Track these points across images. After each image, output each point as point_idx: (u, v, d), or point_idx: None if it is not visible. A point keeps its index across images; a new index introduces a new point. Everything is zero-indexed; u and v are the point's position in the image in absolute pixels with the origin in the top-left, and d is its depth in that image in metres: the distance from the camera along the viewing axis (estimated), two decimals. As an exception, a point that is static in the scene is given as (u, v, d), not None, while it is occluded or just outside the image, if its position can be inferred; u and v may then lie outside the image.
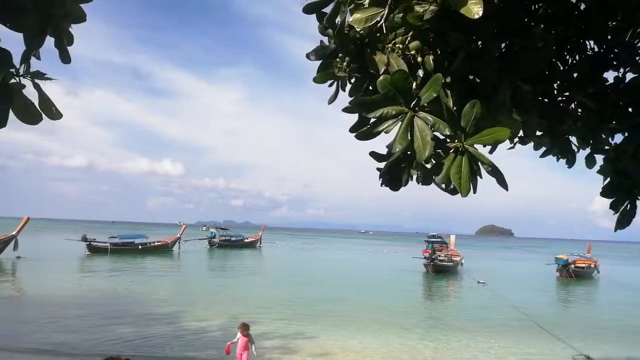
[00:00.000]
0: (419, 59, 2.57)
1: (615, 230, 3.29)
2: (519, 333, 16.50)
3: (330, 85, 3.16)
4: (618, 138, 4.04)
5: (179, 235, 52.66)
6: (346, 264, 46.50)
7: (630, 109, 3.31)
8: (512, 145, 4.43)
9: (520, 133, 4.40)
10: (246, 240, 64.18)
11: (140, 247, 47.96)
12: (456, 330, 16.85)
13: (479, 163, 2.25)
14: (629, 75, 3.85)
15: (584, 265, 39.58)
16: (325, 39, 3.21)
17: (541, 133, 4.22)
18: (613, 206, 3.22)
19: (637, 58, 3.89)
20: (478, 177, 2.34)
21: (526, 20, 3.72)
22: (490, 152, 4.33)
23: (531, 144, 4.55)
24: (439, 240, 48.90)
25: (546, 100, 4.34)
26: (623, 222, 3.21)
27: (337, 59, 2.92)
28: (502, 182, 2.28)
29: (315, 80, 3.04)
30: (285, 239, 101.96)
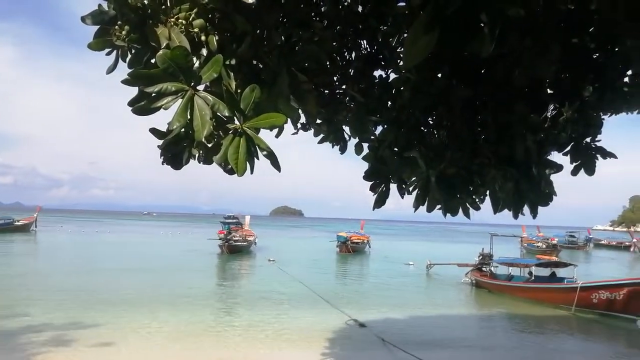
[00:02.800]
0: (203, 37, 2.56)
1: (373, 209, 3.82)
2: (303, 304, 17.94)
3: (109, 54, 2.93)
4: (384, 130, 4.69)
5: None
6: (136, 248, 43.96)
7: (389, 104, 3.84)
8: (296, 131, 4.75)
9: (303, 120, 4.76)
10: (17, 224, 55.66)
11: None
12: (246, 306, 17.56)
13: (256, 145, 2.35)
14: (392, 75, 4.46)
15: (358, 240, 44.99)
16: (105, 3, 2.95)
17: (321, 121, 4.62)
18: (372, 188, 3.72)
19: (399, 61, 4.52)
20: (257, 159, 2.46)
21: (312, 14, 4.00)
22: (277, 136, 4.58)
23: (312, 131, 4.95)
24: (234, 221, 49.83)
25: (326, 91, 4.77)
26: (379, 202, 3.73)
27: (116, 27, 2.71)
28: (275, 164, 2.43)
29: (91, 46, 2.77)
30: (66, 222, 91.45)
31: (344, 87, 4.73)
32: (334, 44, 4.56)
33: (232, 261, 33.86)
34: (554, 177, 4.33)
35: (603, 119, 4.87)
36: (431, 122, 4.20)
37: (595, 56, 4.39)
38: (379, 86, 3.91)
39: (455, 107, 3.65)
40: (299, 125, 4.76)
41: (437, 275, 27.86)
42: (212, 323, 14.72)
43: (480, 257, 26.91)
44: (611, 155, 4.51)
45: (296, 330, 13.94)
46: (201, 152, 2.78)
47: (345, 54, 4.86)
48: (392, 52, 4.41)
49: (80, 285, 20.61)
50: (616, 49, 4.36)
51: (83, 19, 2.85)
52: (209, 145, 2.69)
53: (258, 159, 2.40)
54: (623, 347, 14.29)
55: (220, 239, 39.08)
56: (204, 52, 2.62)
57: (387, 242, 60.36)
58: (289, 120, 4.15)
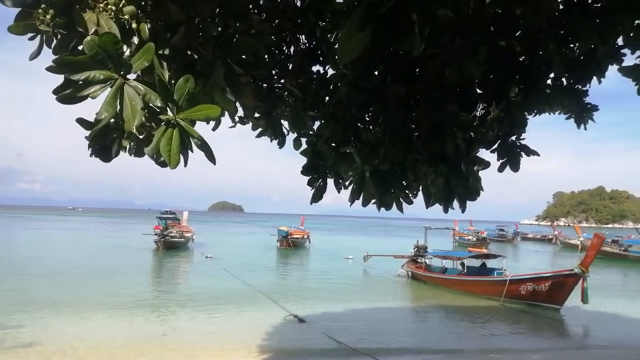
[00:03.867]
0: (134, 25, 2.47)
1: (311, 204, 3.85)
2: (240, 301, 17.78)
3: (32, 39, 2.77)
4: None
5: None
6: (65, 245, 41.81)
7: (327, 100, 3.89)
8: (233, 124, 4.69)
9: (241, 113, 4.72)
10: None
11: None
12: (182, 304, 17.17)
13: (190, 137, 2.31)
14: (331, 71, 4.51)
15: (299, 236, 45.24)
16: (28, -17, 2.78)
17: (259, 115, 4.60)
18: (310, 183, 3.75)
19: (336, 57, 4.57)
20: (191, 152, 2.41)
21: (250, 7, 3.97)
22: (213, 129, 4.51)
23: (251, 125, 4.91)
24: (172, 216, 48.56)
25: (265, 85, 4.75)
26: (317, 196, 3.77)
27: (40, 10, 2.56)
28: (210, 157, 2.39)
29: (11, 30, 2.60)
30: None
31: (282, 81, 4.73)
32: (273, 37, 4.55)
33: (168, 258, 32.97)
34: (487, 173, 4.57)
35: (527, 118, 5.19)
36: (368, 119, 4.30)
37: (521, 59, 4.66)
38: (316, 81, 3.94)
39: (390, 104, 3.74)
40: (236, 119, 4.71)
41: (375, 269, 28.48)
42: (143, 324, 14.22)
43: (416, 249, 27.82)
44: (534, 153, 4.79)
45: (233, 329, 13.80)
46: (132, 143, 2.69)
47: (284, 48, 4.87)
48: (330, 48, 4.45)
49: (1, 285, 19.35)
50: (539, 53, 4.64)
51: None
52: (140, 137, 2.60)
53: (192, 151, 2.35)
54: (547, 333, 15.29)
55: (156, 235, 37.95)
56: (135, 40, 2.53)
57: (327, 237, 61.01)
58: (226, 113, 4.12)
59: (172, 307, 16.92)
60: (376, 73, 4.11)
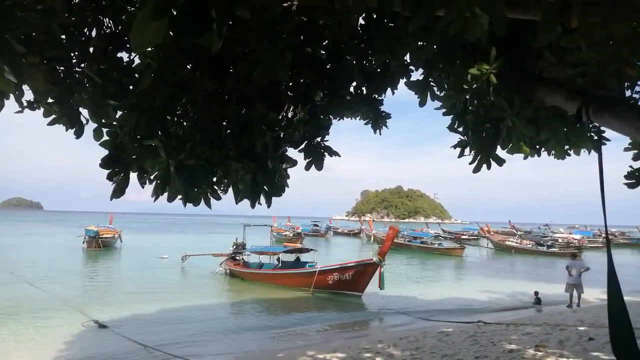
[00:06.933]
0: None
1: (111, 199, 3.60)
2: (36, 310, 15.74)
3: None
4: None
5: None
6: None
7: (131, 89, 3.67)
8: (20, 109, 4.13)
9: (31, 97, 4.18)
10: None
11: None
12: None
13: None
14: (138, 60, 4.26)
15: (109, 235, 41.79)
16: None
17: (52, 101, 4.12)
18: (110, 177, 3.50)
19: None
20: None
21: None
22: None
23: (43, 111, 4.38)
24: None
25: (61, 68, 4.28)
26: (118, 191, 3.54)
27: None
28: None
29: None
30: None
31: (83, 65, 4.32)
32: (72, 17, 4.13)
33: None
34: (305, 173, 4.82)
35: (331, 122, 5.63)
36: (178, 112, 4.18)
37: (327, 67, 5.03)
38: (119, 69, 3.69)
39: (200, 99, 3.71)
40: (24, 103, 4.16)
41: (192, 267, 27.77)
42: None
43: (235, 247, 27.99)
44: (336, 153, 5.21)
45: (23, 341, 12.15)
46: None
47: (86, 31, 4.45)
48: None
49: None
50: (342, 62, 5.07)
51: None
52: None
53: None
54: (350, 318, 16.78)
55: None
56: None
57: (141, 236, 57.58)
58: (11, 96, 3.60)
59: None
60: (189, 67, 4.04)
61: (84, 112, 4.31)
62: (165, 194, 3.63)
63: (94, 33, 4.36)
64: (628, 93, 4.81)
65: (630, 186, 5.01)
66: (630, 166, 5.00)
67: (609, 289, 3.38)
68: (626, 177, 5.02)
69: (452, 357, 8.48)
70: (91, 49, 4.26)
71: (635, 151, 5.03)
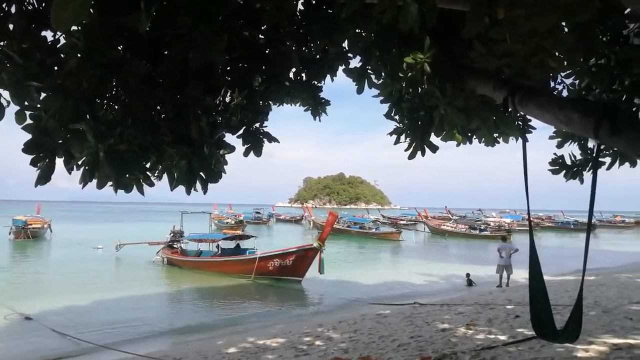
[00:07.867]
0: None
1: (36, 186, 3.40)
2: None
3: None
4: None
5: None
6: None
7: (55, 70, 3.46)
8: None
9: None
10: None
11: None
12: None
13: None
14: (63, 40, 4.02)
15: (38, 225, 39.64)
16: None
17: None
18: (33, 162, 3.30)
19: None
20: None
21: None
22: None
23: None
24: None
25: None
26: (42, 178, 3.35)
27: None
28: None
29: None
30: None
31: (2, 44, 4.03)
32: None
33: None
34: (246, 160, 4.75)
35: (270, 107, 5.58)
36: (108, 95, 4.00)
37: (266, 52, 4.97)
38: (43, 49, 3.47)
39: (131, 82, 3.56)
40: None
41: (127, 257, 26.84)
42: None
43: (172, 235, 27.36)
44: (275, 140, 5.20)
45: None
46: None
47: (5, 6, 4.15)
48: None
49: None
50: (281, 48, 5.03)
51: None
52: None
53: None
54: (290, 303, 16.90)
55: None
56: None
57: (74, 226, 55.07)
58: None
59: None
60: (120, 48, 3.86)
61: (5, 94, 4.04)
62: (95, 181, 3.49)
63: (13, 9, 4.08)
64: (553, 84, 5.12)
65: (554, 172, 5.35)
66: (554, 153, 5.33)
67: (530, 270, 3.61)
68: (550, 163, 5.35)
69: (389, 338, 8.75)
70: (11, 26, 3.99)
71: (559, 139, 5.38)
